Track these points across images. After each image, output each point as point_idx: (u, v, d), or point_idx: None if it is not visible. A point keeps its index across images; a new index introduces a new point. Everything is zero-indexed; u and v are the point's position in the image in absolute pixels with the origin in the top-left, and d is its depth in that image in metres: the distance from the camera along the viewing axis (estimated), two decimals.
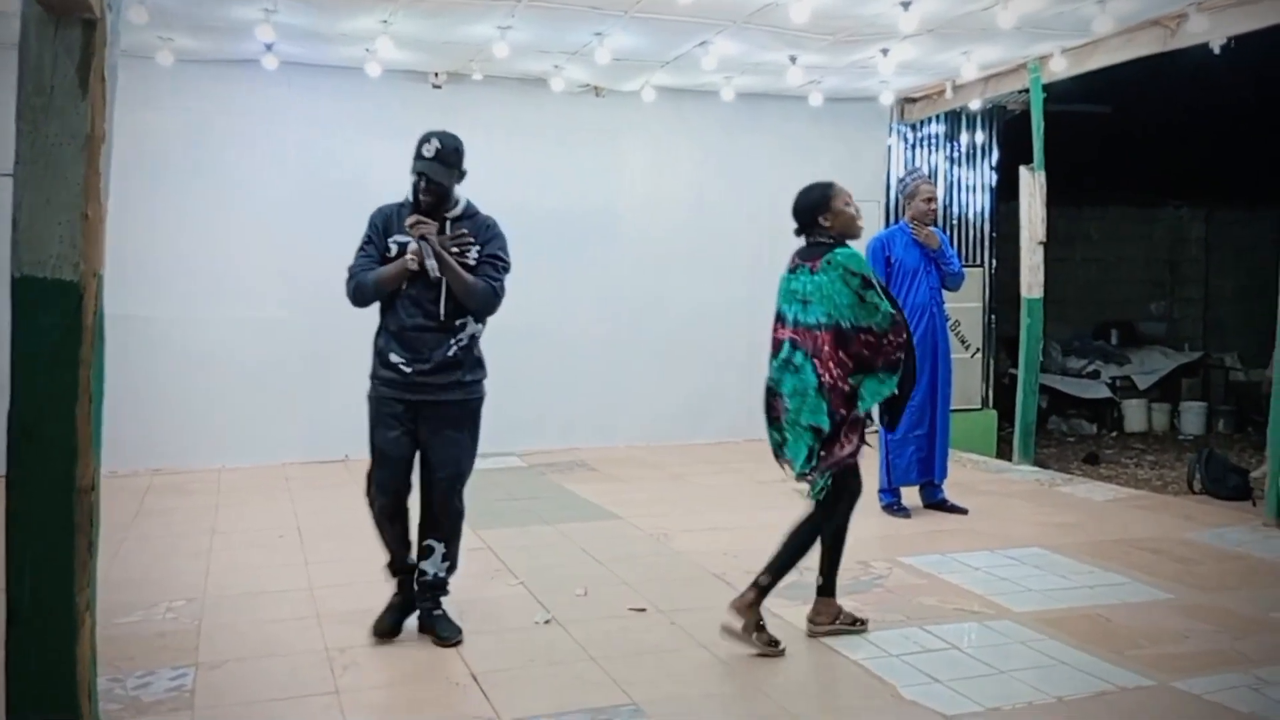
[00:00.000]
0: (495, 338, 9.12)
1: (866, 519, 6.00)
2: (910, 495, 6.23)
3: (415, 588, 4.04)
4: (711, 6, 6.25)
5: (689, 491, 6.97)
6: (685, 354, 8.80)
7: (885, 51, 7.27)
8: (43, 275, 2.42)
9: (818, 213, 3.95)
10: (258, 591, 4.66)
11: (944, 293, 6.12)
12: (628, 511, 6.20)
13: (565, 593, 4.58)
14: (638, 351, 8.67)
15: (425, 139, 3.89)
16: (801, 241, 4.03)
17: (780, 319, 3.96)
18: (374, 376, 4.00)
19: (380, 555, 4.08)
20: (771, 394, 3.96)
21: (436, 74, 8.02)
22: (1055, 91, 8.06)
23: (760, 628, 3.83)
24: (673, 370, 8.80)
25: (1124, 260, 13.75)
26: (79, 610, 2.48)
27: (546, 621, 4.20)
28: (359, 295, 3.93)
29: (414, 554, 4.05)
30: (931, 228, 6.00)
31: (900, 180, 6.14)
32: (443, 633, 3.96)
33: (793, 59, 7.45)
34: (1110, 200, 13.49)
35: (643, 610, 4.35)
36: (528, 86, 8.13)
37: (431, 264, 3.78)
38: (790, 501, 6.50)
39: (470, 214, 4.00)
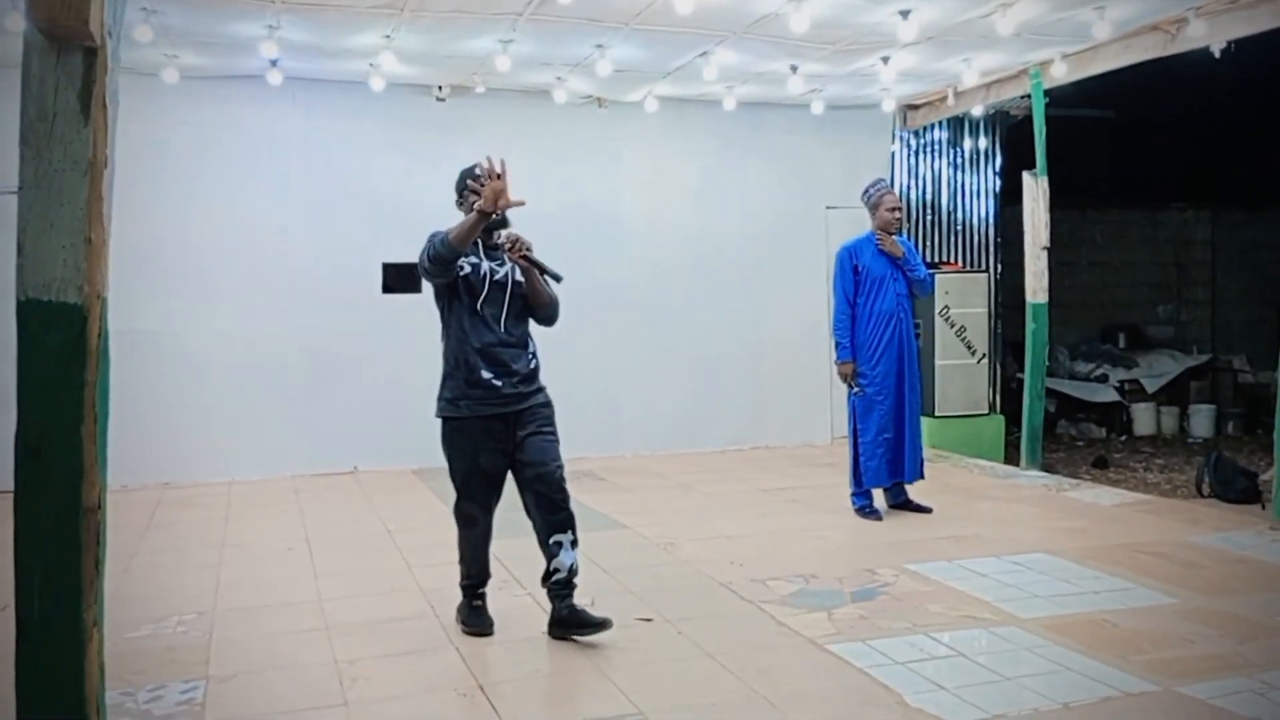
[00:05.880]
0: None
1: (869, 525, 6.06)
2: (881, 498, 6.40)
3: (552, 592, 4.07)
4: (711, 17, 6.28)
5: (694, 500, 6.99)
6: (688, 362, 8.82)
7: (886, 59, 7.30)
8: (47, 298, 2.46)
9: None
10: (267, 604, 4.69)
11: (914, 299, 6.35)
12: (634, 521, 6.22)
13: None
14: (641, 360, 8.69)
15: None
16: None
17: None
18: (461, 398, 4.07)
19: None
20: None
21: (440, 87, 8.08)
22: (1057, 96, 8.07)
23: None
24: (676, 378, 8.82)
25: (1130, 263, 13.71)
26: (86, 627, 2.51)
27: None
28: (435, 256, 3.89)
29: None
30: (896, 236, 6.19)
31: (865, 191, 6.29)
32: (595, 619, 4.06)
33: (793, 68, 7.48)
34: (1115, 204, 13.47)
35: (649, 620, 4.37)
36: (531, 98, 8.18)
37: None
38: (794, 510, 6.56)
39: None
